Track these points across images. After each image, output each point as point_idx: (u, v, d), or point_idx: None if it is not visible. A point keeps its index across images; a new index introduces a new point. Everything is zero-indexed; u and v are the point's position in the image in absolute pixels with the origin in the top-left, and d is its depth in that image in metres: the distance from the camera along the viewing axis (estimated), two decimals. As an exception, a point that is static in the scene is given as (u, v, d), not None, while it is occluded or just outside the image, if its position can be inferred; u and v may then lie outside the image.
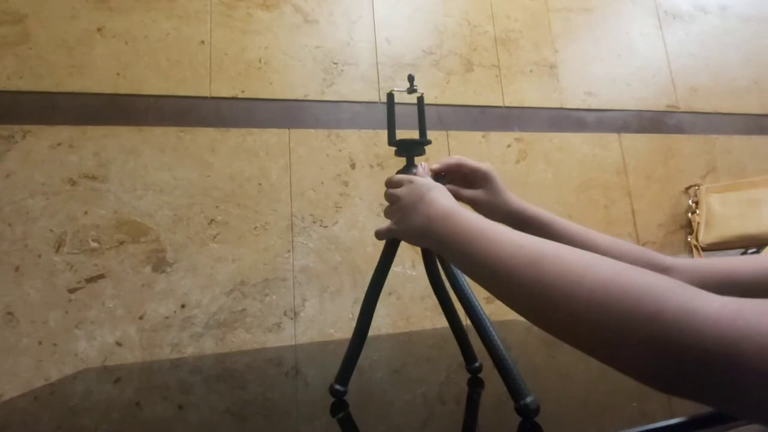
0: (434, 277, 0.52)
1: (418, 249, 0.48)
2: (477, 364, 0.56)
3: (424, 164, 0.48)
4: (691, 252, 1.19)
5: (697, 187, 1.28)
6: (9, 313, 0.83)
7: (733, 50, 1.49)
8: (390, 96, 0.50)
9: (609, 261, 0.25)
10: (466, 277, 0.45)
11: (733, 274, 0.38)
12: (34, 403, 0.64)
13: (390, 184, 0.46)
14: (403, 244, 0.47)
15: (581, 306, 0.23)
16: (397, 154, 0.50)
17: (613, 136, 1.29)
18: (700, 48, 1.45)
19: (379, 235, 0.46)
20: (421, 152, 0.50)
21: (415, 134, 0.52)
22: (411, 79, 0.50)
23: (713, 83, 1.44)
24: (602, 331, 0.22)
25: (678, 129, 1.36)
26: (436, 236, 0.36)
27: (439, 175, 0.49)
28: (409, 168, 0.49)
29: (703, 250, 1.16)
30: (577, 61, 1.31)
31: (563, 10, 1.33)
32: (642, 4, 1.42)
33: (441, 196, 0.39)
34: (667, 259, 0.44)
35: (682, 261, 0.43)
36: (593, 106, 1.29)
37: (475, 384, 0.55)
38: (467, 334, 0.55)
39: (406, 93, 0.50)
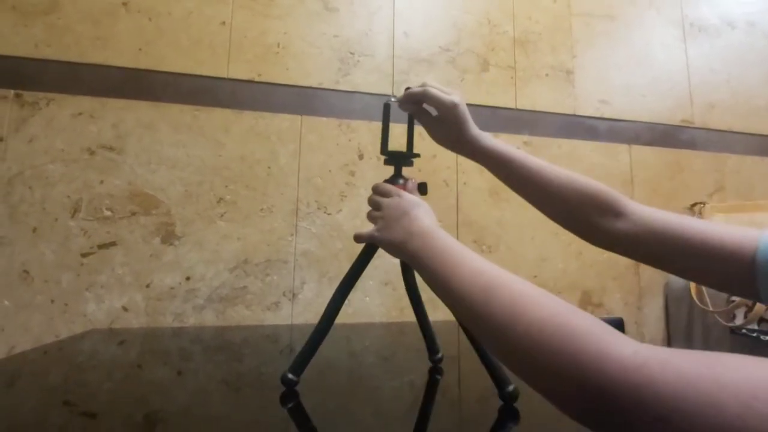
0: (406, 269, 0.56)
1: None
2: (439, 356, 0.61)
3: (413, 180, 0.50)
4: (688, 268, 1.20)
5: (702, 205, 1.28)
6: (25, 271, 0.87)
7: (755, 69, 1.46)
8: (386, 106, 0.51)
9: (553, 300, 0.27)
10: None
11: (682, 233, 0.39)
12: (44, 357, 0.68)
13: (378, 191, 0.48)
14: None
15: (518, 337, 0.26)
16: (387, 163, 0.52)
17: (623, 147, 1.29)
18: (723, 64, 1.43)
19: (358, 239, 0.48)
20: (410, 164, 0.51)
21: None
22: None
23: (732, 101, 1.42)
24: (533, 362, 0.25)
25: (690, 145, 1.36)
26: (410, 251, 0.39)
27: (423, 186, 0.51)
28: (396, 178, 0.50)
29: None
30: (594, 68, 1.30)
31: (586, 15, 1.32)
32: (667, 14, 1.40)
33: (424, 215, 0.41)
34: (627, 203, 0.44)
35: (641, 209, 0.43)
36: (606, 115, 1.29)
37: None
38: (432, 328, 0.59)
39: (401, 102, 0.51)
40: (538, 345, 0.25)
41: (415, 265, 0.38)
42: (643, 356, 0.21)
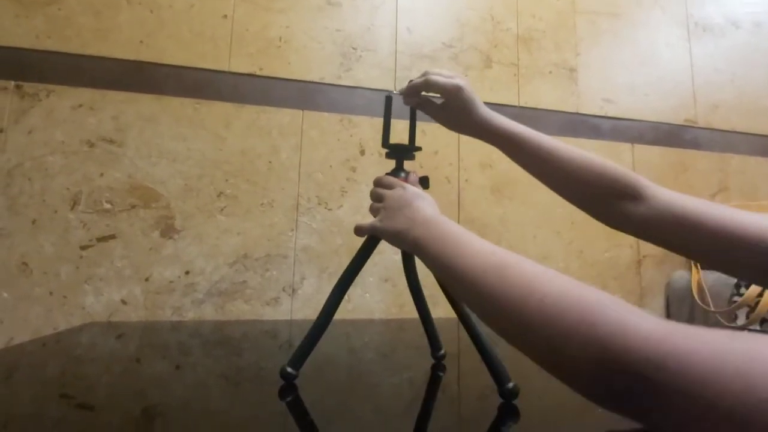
0: (408, 265, 0.54)
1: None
2: (442, 352, 0.60)
3: (415, 173, 0.50)
4: (689, 269, 1.19)
5: (705, 205, 1.27)
6: (24, 263, 0.87)
7: (760, 69, 1.45)
8: (388, 99, 0.51)
9: (564, 277, 0.27)
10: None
11: (700, 219, 0.38)
12: (42, 349, 0.68)
13: (380, 183, 0.47)
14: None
15: (532, 313, 0.25)
16: (388, 156, 0.51)
17: (626, 146, 1.28)
18: (727, 64, 1.42)
19: (359, 230, 0.46)
20: (411, 157, 0.51)
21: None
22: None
23: (736, 101, 1.41)
24: (547, 339, 0.24)
25: (694, 144, 1.35)
26: (413, 239, 0.38)
27: (424, 180, 0.50)
28: (398, 171, 0.50)
29: (702, 268, 1.16)
30: (598, 67, 1.29)
31: (591, 12, 1.31)
32: (672, 13, 1.39)
33: (427, 206, 0.41)
34: (646, 186, 0.43)
35: (661, 192, 0.42)
36: (610, 114, 1.28)
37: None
38: (434, 324, 0.59)
39: (403, 95, 0.51)
40: (554, 318, 0.24)
41: (419, 251, 0.38)
42: (664, 330, 0.20)
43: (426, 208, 0.40)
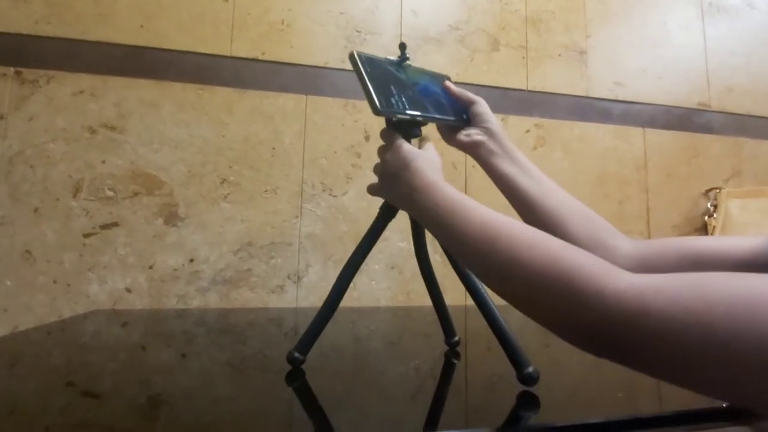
0: (420, 249, 0.53)
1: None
2: (456, 339, 0.58)
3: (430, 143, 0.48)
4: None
5: (717, 191, 1.24)
6: (27, 251, 0.86)
7: (776, 51, 1.41)
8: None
9: (548, 244, 0.29)
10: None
11: (688, 252, 0.40)
12: (47, 337, 0.68)
13: (381, 137, 0.47)
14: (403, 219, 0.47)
15: (520, 284, 0.29)
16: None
17: (637, 131, 1.25)
18: (742, 46, 1.38)
19: (369, 190, 0.48)
20: (418, 133, 0.49)
21: None
22: (402, 47, 0.49)
23: (750, 84, 1.37)
24: (537, 305, 0.28)
25: (706, 128, 1.31)
26: (416, 207, 0.39)
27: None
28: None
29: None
30: (608, 49, 1.26)
31: (601, -8, 1.27)
32: (686, -8, 1.35)
33: (425, 167, 0.40)
34: (620, 247, 0.44)
35: (629, 242, 0.45)
36: (620, 98, 1.25)
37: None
38: (448, 310, 0.57)
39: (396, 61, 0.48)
40: (540, 289, 0.27)
41: (423, 220, 0.40)
42: (638, 287, 0.23)
43: (423, 172, 0.40)
